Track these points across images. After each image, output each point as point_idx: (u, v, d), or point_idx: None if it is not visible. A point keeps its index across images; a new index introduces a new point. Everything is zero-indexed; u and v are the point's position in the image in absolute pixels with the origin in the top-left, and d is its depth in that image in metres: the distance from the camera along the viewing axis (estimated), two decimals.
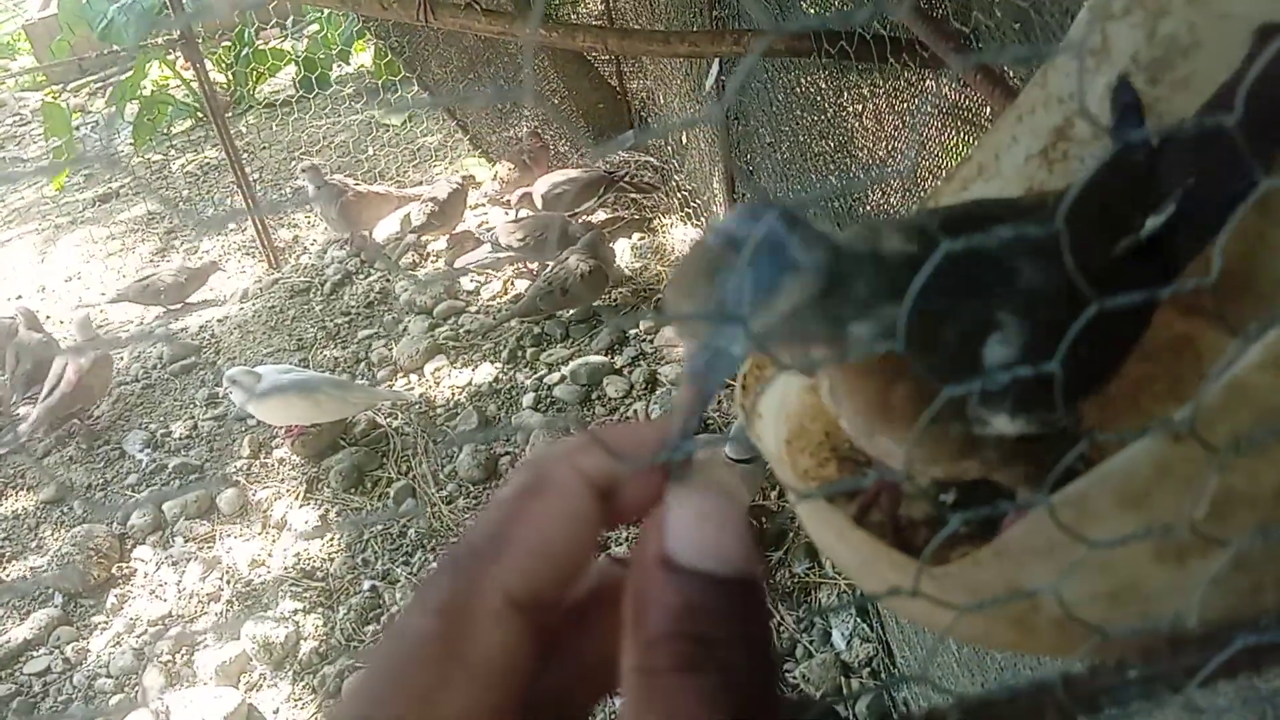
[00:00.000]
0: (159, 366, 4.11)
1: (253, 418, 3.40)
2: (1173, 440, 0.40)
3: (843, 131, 1.68)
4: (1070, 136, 0.63)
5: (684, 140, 3.86)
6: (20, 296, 5.02)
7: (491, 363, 3.63)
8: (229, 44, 6.71)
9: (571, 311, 3.71)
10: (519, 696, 0.32)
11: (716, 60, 2.17)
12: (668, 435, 0.35)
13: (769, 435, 0.59)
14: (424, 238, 4.43)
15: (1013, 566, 0.46)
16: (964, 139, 1.35)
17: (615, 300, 3.78)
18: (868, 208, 1.58)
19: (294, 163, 5.94)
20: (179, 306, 4.54)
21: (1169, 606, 0.45)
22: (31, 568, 3.11)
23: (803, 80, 1.71)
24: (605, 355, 3.52)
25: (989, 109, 1.45)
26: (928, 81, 1.53)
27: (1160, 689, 0.45)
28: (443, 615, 0.31)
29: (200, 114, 6.56)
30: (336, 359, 3.88)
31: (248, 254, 4.98)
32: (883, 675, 2.15)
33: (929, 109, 1.42)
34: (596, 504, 0.34)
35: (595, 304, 3.74)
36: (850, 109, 1.64)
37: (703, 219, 4.02)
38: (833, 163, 1.74)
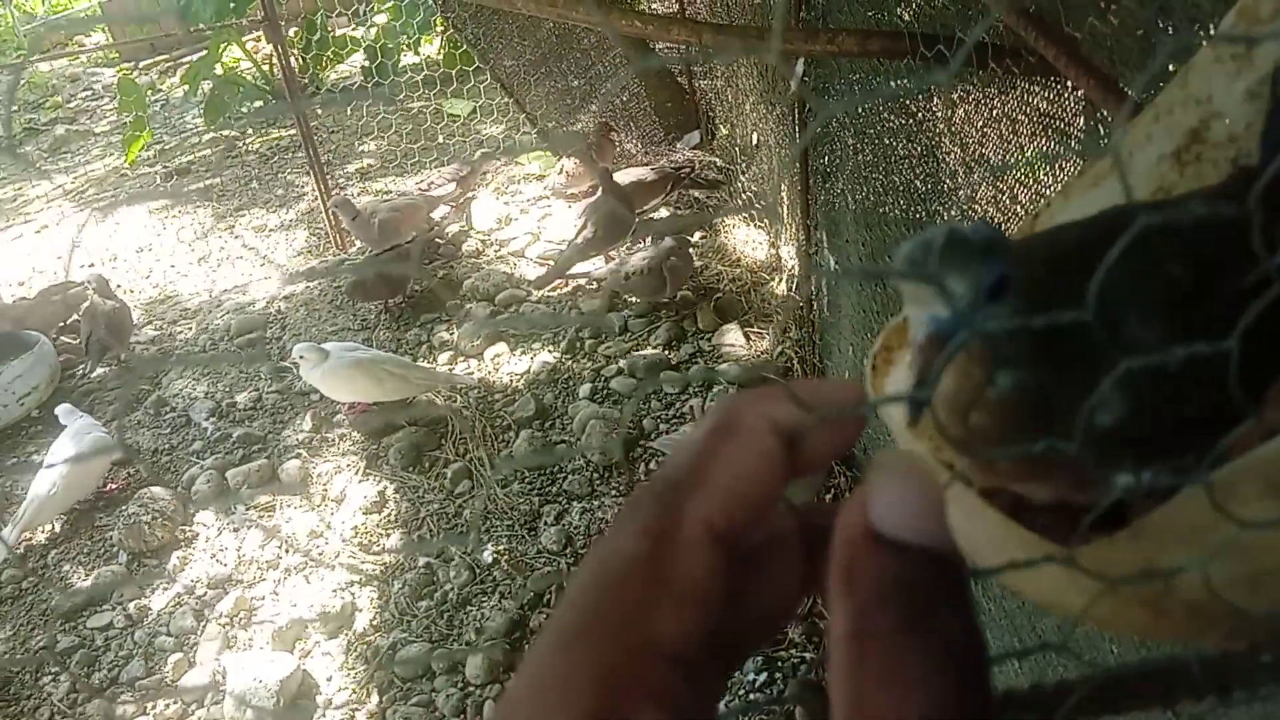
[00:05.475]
0: (225, 338, 4.20)
1: (316, 392, 3.47)
2: None
3: (930, 135, 1.68)
4: (1205, 139, 0.63)
5: (755, 141, 3.86)
6: (92, 264, 5.16)
7: (550, 352, 3.66)
8: (297, 30, 6.83)
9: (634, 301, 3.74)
10: (711, 625, 0.32)
11: (800, 60, 2.18)
12: (856, 393, 0.36)
13: (896, 415, 0.60)
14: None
15: (1150, 548, 0.46)
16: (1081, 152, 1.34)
17: (676, 299, 3.80)
18: (954, 212, 1.58)
19: (360, 147, 6.05)
20: (391, 249, 4.31)
21: None
22: (97, 525, 3.20)
23: (892, 83, 1.71)
24: (663, 350, 3.54)
25: (1082, 120, 1.45)
26: (1019, 86, 1.53)
27: None
28: (650, 538, 0.32)
29: (270, 95, 6.69)
30: (398, 340, 3.94)
31: (314, 234, 5.07)
32: None
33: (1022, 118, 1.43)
34: (783, 450, 0.35)
35: (656, 300, 3.75)
36: (939, 113, 1.64)
37: (766, 220, 4.02)
38: (918, 166, 1.75)
